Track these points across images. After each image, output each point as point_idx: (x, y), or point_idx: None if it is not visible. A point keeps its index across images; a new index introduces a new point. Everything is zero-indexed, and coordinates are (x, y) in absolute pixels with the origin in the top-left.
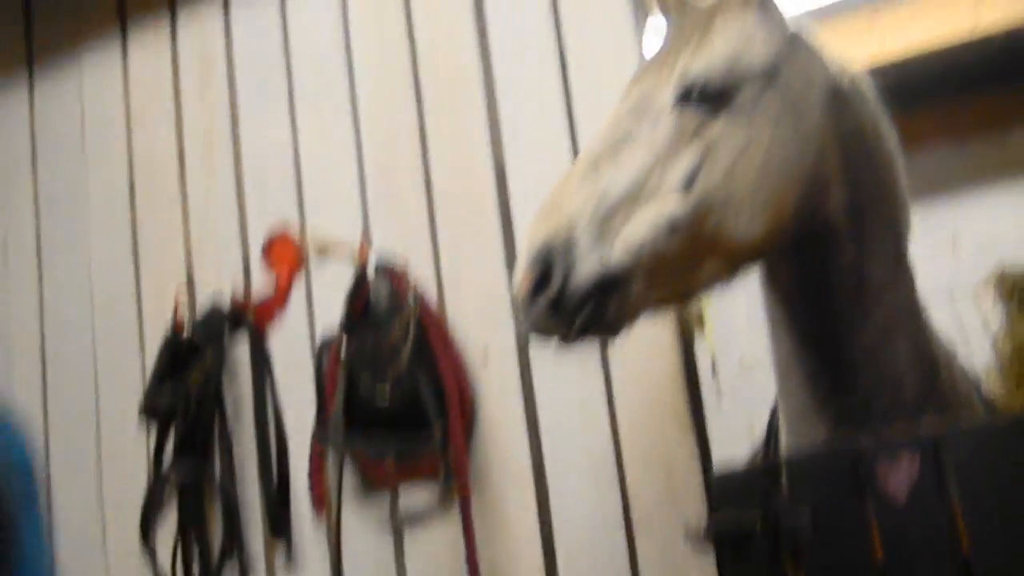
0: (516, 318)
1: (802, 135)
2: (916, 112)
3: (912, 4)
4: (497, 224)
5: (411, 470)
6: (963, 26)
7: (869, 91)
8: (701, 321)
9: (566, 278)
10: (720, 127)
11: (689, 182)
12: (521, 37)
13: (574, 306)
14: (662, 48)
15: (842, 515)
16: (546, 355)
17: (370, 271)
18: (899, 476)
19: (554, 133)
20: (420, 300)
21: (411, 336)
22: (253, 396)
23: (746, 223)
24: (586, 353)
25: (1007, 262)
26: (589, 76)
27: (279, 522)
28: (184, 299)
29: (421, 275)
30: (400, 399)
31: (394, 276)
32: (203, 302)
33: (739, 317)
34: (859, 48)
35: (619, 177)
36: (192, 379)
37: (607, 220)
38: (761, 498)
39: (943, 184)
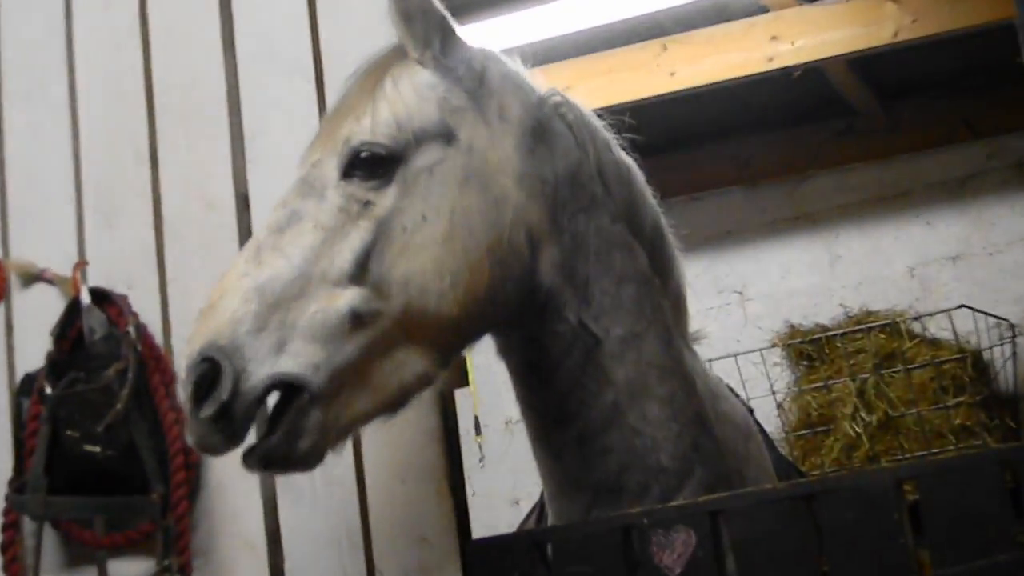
0: (188, 430)
1: (496, 196)
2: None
3: (705, 36)
4: (237, 250)
5: (124, 537)
6: (758, 60)
7: (585, 124)
8: (463, 373)
9: (236, 383)
10: (391, 200)
11: (360, 267)
12: (271, 39)
13: (245, 414)
14: (333, 110)
15: None
16: None
17: (84, 299)
18: (675, 548)
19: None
20: (142, 334)
21: (130, 377)
22: None
23: (435, 305)
24: None
25: (795, 320)
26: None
27: None
28: None
29: (144, 306)
30: (114, 453)
31: (112, 306)
32: None
33: (505, 372)
34: (646, 81)
35: (282, 267)
36: None
37: (274, 318)
38: (523, 571)
39: (732, 233)
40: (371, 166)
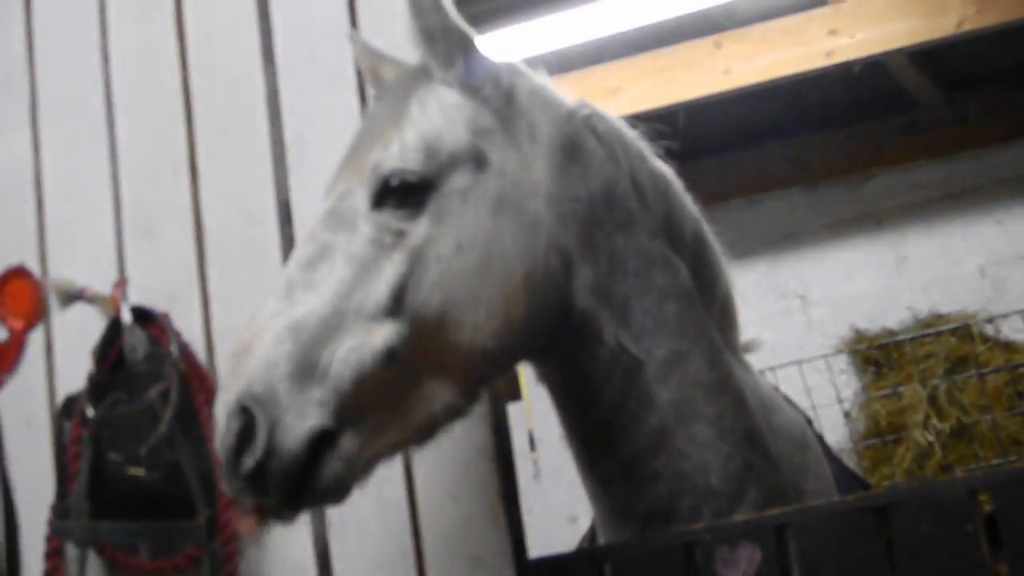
0: (225, 483)
1: (529, 221)
2: (764, 152)
3: (760, 32)
4: (280, 266)
5: (170, 563)
6: (816, 55)
7: (617, 137)
8: (515, 387)
9: (270, 438)
10: (425, 228)
11: (396, 300)
12: (311, 46)
13: (285, 473)
14: (359, 136)
15: None
16: None
17: (125, 318)
18: (740, 565)
19: None
20: (185, 354)
21: (173, 398)
22: None
23: (469, 337)
24: None
25: (861, 325)
26: None
27: None
28: None
29: (187, 323)
30: (158, 476)
31: (154, 325)
32: None
33: None
34: (700, 80)
35: (315, 304)
36: None
37: (309, 359)
38: None
39: (792, 235)
40: (403, 194)
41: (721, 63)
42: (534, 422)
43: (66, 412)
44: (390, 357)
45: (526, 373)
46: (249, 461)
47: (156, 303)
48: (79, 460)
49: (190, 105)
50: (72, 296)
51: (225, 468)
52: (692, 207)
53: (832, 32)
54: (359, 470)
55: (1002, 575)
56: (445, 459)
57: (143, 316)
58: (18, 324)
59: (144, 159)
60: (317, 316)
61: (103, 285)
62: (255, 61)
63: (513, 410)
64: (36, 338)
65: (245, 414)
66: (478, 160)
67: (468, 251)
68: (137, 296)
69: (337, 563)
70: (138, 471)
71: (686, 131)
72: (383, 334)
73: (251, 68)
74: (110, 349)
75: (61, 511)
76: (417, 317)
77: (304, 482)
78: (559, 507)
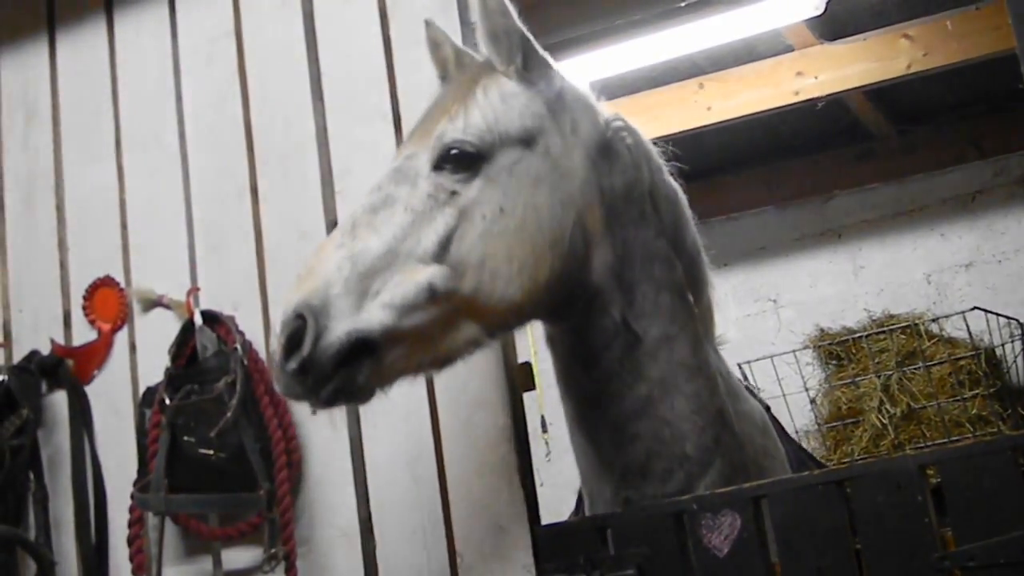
0: (276, 379)
1: (561, 198)
2: (741, 176)
3: (737, 73)
4: None
5: (236, 530)
6: (785, 93)
7: (642, 148)
8: (530, 378)
9: (316, 341)
10: (475, 192)
11: (443, 247)
12: (355, 88)
13: (322, 369)
14: (428, 111)
15: (667, 569)
16: (376, 409)
17: (197, 321)
18: (722, 531)
19: None
20: (248, 351)
21: (238, 389)
22: (71, 451)
23: (502, 287)
24: (415, 408)
25: (824, 324)
26: None
27: None
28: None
29: (250, 326)
30: (225, 455)
31: (221, 326)
32: (21, 354)
33: None
34: (686, 116)
35: (374, 242)
36: (6, 433)
37: (362, 284)
38: (587, 553)
39: (765, 248)
40: (459, 161)
41: (704, 101)
42: (546, 408)
43: (146, 401)
44: (432, 293)
45: (539, 367)
46: (295, 360)
47: (223, 308)
48: (157, 442)
49: (251, 139)
50: (151, 302)
51: (276, 365)
52: (692, 222)
53: (799, 74)
54: (386, 378)
55: (947, 538)
56: (471, 440)
57: (212, 319)
58: (106, 326)
59: (212, 185)
60: (374, 252)
61: (178, 293)
62: (306, 101)
63: (528, 398)
64: (121, 338)
65: (299, 319)
66: (527, 141)
67: (509, 214)
68: (207, 302)
69: (378, 529)
70: (208, 452)
71: (674, 160)
72: (428, 273)
73: (303, 107)
74: (184, 347)
75: (142, 486)
76: (459, 264)
77: (340, 379)
78: (568, 481)
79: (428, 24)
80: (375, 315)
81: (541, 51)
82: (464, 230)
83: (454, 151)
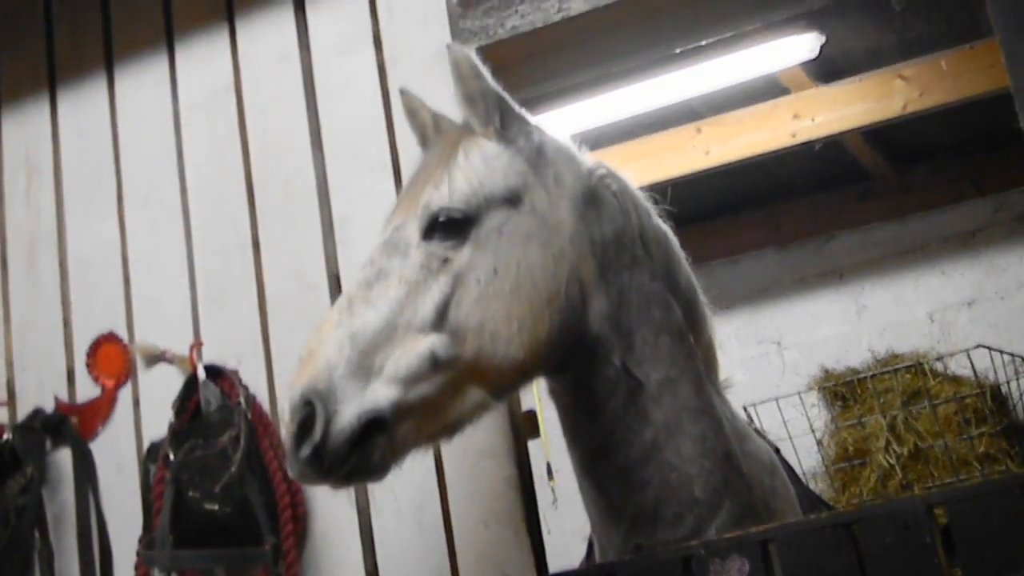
0: (289, 466)
1: (553, 252)
2: (741, 219)
3: (734, 117)
4: None
5: None
6: (782, 136)
7: (628, 193)
8: (535, 426)
9: (327, 426)
10: (467, 256)
11: (441, 315)
12: (354, 138)
13: (336, 453)
14: (412, 179)
15: None
16: None
17: (200, 375)
18: (729, 575)
19: None
20: (252, 404)
21: (242, 443)
22: (76, 509)
23: (504, 348)
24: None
25: (828, 365)
26: None
27: None
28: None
29: (253, 378)
30: (230, 510)
31: (225, 380)
32: (25, 412)
33: None
34: (685, 160)
35: (372, 317)
36: (11, 492)
37: (365, 362)
38: None
39: (767, 290)
40: (448, 228)
41: (702, 145)
42: (552, 455)
43: (151, 456)
44: (435, 362)
45: (544, 414)
46: (308, 447)
47: (226, 361)
48: (162, 498)
49: (252, 191)
50: (155, 357)
51: (289, 453)
52: (685, 262)
53: (796, 116)
54: (399, 453)
55: None
56: (477, 489)
57: (215, 373)
58: (109, 382)
59: (214, 238)
60: (373, 327)
61: (181, 347)
62: (306, 152)
63: (533, 446)
64: (125, 394)
65: (307, 407)
66: (512, 200)
67: (502, 275)
68: (210, 356)
69: None
70: (213, 506)
71: (673, 203)
72: (429, 342)
73: (303, 159)
74: (188, 402)
75: (147, 542)
76: (458, 330)
77: (355, 459)
78: (575, 528)
79: (403, 92)
80: (382, 392)
81: (517, 108)
82: (460, 296)
83: (442, 219)
